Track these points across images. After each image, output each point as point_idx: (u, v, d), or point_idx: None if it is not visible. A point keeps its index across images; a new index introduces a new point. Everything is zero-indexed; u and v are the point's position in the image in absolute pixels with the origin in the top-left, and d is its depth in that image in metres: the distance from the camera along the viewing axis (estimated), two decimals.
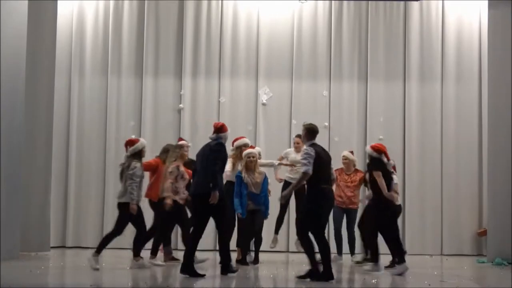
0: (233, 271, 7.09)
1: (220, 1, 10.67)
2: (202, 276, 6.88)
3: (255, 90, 10.70)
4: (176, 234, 9.75)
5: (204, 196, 6.74)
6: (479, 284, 7.04)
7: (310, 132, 6.81)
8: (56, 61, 9.56)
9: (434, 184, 10.57)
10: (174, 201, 7.87)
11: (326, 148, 9.25)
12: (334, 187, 7.67)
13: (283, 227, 9.29)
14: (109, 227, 9.75)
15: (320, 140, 9.08)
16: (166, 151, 8.19)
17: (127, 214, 7.40)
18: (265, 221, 8.31)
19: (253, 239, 8.20)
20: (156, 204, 8.07)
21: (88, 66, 10.74)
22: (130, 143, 7.72)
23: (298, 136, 8.37)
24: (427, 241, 10.48)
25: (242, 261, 7.99)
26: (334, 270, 6.88)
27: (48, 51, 9.30)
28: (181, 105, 10.66)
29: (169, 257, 8.31)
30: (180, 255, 8.01)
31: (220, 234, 6.98)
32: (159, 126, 10.61)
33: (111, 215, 10.05)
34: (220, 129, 6.99)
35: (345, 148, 10.35)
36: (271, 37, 10.67)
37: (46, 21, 9.25)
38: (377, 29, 10.67)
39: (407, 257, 7.93)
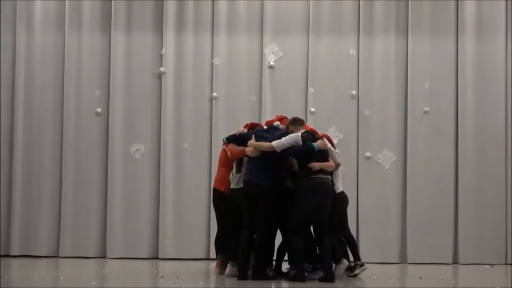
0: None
1: None
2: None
3: (259, 49, 10.57)
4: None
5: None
6: None
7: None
8: None
9: (496, 173, 10.45)
10: None
11: (355, 124, 10.44)
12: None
13: None
14: (67, 230, 10.39)
15: (347, 113, 10.44)
16: None
17: None
18: None
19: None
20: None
21: (38, 17, 10.59)
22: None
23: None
24: (487, 247, 10.41)
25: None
26: None
27: None
28: (162, 69, 10.54)
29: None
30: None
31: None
32: (134, 96, 10.55)
33: (71, 216, 10.41)
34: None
35: (378, 124, 10.48)
36: None
37: None
38: None
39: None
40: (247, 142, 8.13)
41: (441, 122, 10.46)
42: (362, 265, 8.46)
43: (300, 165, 7.86)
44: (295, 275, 7.87)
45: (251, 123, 8.62)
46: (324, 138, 8.07)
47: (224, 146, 8.51)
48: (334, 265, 8.17)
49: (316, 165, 7.74)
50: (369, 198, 10.37)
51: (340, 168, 8.37)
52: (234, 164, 8.26)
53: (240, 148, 8.16)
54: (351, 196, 8.86)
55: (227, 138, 8.45)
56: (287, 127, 8.20)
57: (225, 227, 8.41)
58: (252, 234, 7.92)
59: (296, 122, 8.15)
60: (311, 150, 7.77)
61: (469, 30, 10.52)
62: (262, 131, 8.24)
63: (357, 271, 8.41)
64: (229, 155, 8.30)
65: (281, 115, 8.49)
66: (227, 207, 8.30)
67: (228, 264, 8.20)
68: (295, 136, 7.87)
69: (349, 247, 8.48)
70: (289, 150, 7.85)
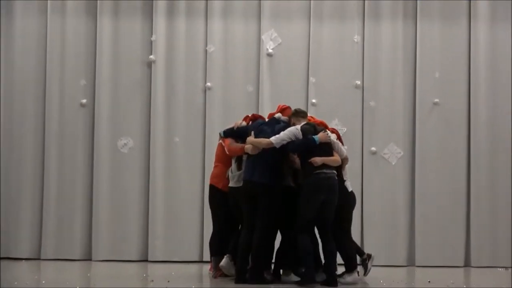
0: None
1: None
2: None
3: (257, 35, 10.56)
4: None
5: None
6: None
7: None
8: None
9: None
10: None
11: (359, 116, 10.47)
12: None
13: None
14: (50, 230, 10.37)
15: (351, 104, 10.45)
16: None
17: None
18: None
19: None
20: None
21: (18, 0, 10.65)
22: None
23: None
24: (501, 248, 10.33)
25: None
26: None
27: None
28: (151, 57, 10.50)
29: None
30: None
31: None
32: (121, 86, 10.52)
33: (54, 215, 10.37)
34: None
35: (385, 116, 10.45)
36: None
37: None
38: None
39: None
40: (245, 137, 8.07)
41: (452, 114, 10.39)
42: (369, 256, 8.44)
43: (302, 161, 7.85)
44: (304, 278, 7.83)
45: (253, 115, 8.57)
46: (327, 130, 8.01)
47: (220, 141, 8.46)
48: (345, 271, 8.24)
49: (317, 160, 7.68)
50: (375, 196, 10.33)
51: (347, 165, 8.33)
52: (233, 160, 8.23)
53: (240, 145, 8.13)
54: (355, 194, 8.75)
55: (224, 132, 8.39)
56: (289, 119, 8.15)
57: (223, 227, 8.41)
58: (252, 234, 7.92)
59: (298, 114, 8.10)
60: (312, 144, 7.71)
61: (482, 15, 10.45)
62: (263, 124, 8.19)
63: (369, 266, 8.40)
64: (227, 152, 8.25)
65: (283, 105, 8.41)
66: (226, 205, 8.27)
67: (226, 256, 8.17)
68: (295, 130, 7.84)
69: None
70: (289, 145, 7.82)
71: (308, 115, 8.58)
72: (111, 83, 10.43)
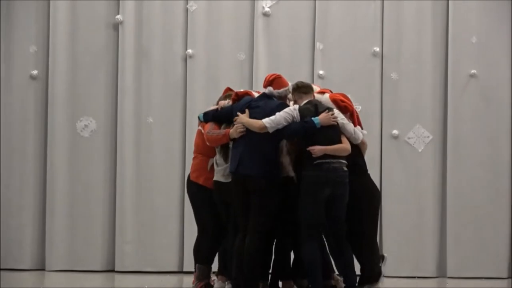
0: None
1: None
2: None
3: None
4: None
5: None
6: None
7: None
8: None
9: None
10: None
11: (377, 91, 10.44)
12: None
13: None
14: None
15: (368, 77, 10.48)
16: None
17: None
18: None
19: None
20: None
21: None
22: None
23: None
24: None
25: None
26: None
27: None
28: (119, 16, 10.36)
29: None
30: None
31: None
32: (81, 54, 10.41)
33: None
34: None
35: (409, 91, 10.38)
36: None
37: None
38: None
39: None
40: (230, 120, 7.74)
41: (492, 89, 10.19)
42: (382, 258, 8.22)
43: (302, 149, 7.59)
44: None
45: (236, 93, 8.14)
46: (333, 109, 7.58)
47: (199, 127, 8.11)
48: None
49: (317, 149, 7.35)
50: (396, 190, 10.19)
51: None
52: (217, 150, 7.92)
53: (222, 132, 7.80)
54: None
55: (204, 115, 8.04)
56: (284, 94, 7.82)
57: (214, 229, 8.17)
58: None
59: (300, 89, 7.73)
60: (312, 128, 7.38)
61: None
62: (251, 101, 7.80)
63: (383, 271, 8.17)
64: (207, 142, 7.90)
65: (271, 74, 7.99)
66: (211, 203, 8.01)
67: (216, 279, 8.05)
68: (293, 110, 7.55)
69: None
70: (284, 130, 7.55)
71: (320, 87, 8.22)
72: (68, 50, 10.33)
